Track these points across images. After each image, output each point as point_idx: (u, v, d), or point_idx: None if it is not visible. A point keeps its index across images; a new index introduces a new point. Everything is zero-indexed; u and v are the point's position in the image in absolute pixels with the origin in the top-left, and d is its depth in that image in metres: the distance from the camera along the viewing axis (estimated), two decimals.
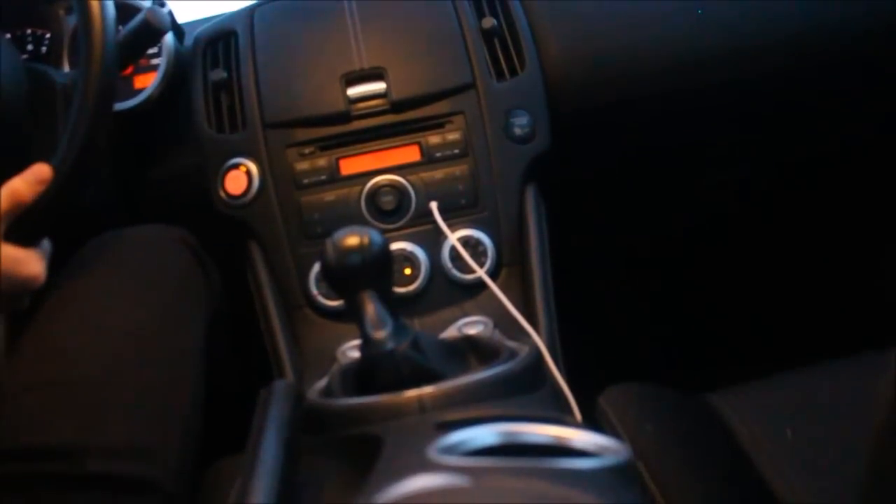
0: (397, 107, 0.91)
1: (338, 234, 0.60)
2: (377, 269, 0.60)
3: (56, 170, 0.71)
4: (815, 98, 1.06)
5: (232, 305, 0.92)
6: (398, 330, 0.59)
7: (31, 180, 0.70)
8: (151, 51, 0.96)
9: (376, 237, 0.60)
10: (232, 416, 0.74)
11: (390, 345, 0.58)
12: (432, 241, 0.88)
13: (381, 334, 0.58)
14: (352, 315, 0.61)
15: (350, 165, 0.90)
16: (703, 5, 0.96)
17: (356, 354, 0.75)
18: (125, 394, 0.72)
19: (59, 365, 0.71)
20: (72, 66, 0.93)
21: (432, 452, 0.44)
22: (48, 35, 0.98)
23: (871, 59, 1.00)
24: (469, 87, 0.92)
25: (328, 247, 0.60)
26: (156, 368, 0.75)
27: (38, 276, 0.71)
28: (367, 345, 0.59)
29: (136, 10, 0.93)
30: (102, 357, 0.72)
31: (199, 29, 1.00)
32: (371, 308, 0.59)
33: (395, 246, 0.87)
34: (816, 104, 1.08)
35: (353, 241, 0.59)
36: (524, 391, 0.62)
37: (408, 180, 0.90)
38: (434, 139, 0.91)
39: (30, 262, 0.70)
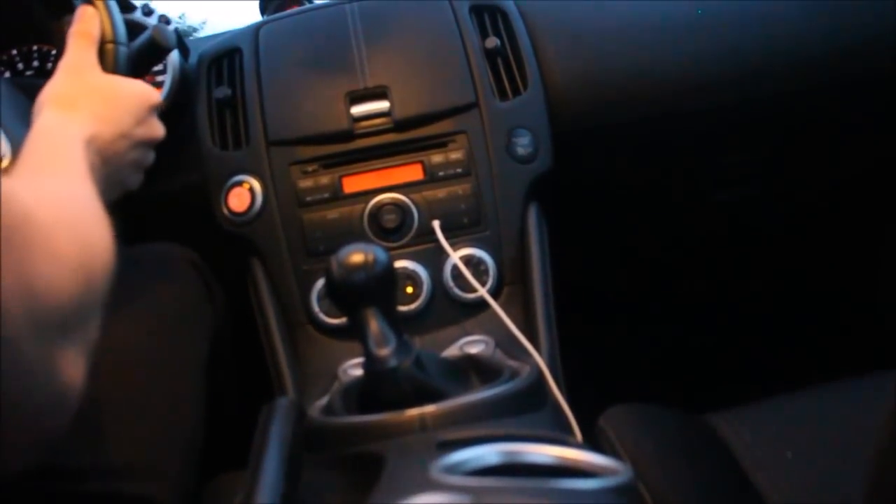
0: (400, 125, 0.91)
1: (343, 252, 0.60)
2: (381, 286, 0.60)
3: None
4: (822, 120, 1.06)
5: (234, 322, 0.92)
6: (401, 347, 0.59)
7: (82, 18, 0.74)
8: (156, 68, 0.97)
9: (381, 255, 0.60)
10: (233, 432, 0.74)
11: (393, 362, 0.58)
12: (434, 259, 0.89)
13: (384, 351, 0.58)
14: (355, 332, 0.61)
15: (353, 183, 0.91)
16: (709, 22, 0.97)
17: (357, 373, 0.75)
18: (127, 413, 0.72)
19: None
20: None
21: (434, 471, 0.44)
22: (53, 52, 0.99)
23: (882, 81, 1.00)
24: (472, 106, 0.92)
25: (333, 264, 0.60)
26: (157, 388, 0.75)
27: (152, 93, 0.74)
28: (371, 362, 0.59)
29: (143, 27, 0.94)
30: (104, 376, 0.72)
31: (204, 46, 1.01)
32: (375, 325, 0.59)
33: (397, 264, 0.87)
34: (824, 126, 1.08)
35: (358, 258, 0.59)
36: (525, 411, 0.62)
37: (410, 199, 0.90)
38: (437, 158, 0.91)
39: (134, 83, 0.74)
